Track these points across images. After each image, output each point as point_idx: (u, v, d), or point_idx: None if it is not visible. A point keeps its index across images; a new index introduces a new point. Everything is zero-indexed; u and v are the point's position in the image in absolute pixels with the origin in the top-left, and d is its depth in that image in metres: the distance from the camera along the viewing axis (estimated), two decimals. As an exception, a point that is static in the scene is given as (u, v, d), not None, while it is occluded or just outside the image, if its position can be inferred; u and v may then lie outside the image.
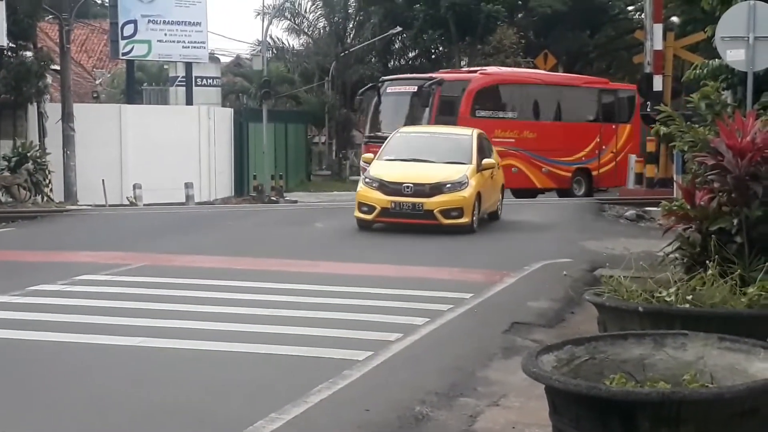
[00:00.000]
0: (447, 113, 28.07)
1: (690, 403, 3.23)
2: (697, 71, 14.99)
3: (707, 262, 6.37)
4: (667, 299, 5.28)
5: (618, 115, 32.07)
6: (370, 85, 33.21)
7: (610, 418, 3.24)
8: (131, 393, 7.38)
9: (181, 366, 8.25)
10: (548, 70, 50.55)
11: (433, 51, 52.80)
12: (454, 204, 17.34)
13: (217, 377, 7.86)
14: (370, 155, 19.99)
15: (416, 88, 29.83)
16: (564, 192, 29.99)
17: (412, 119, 28.19)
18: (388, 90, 31.05)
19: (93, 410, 6.91)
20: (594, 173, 30.94)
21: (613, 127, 31.54)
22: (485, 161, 18.58)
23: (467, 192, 17.40)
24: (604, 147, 31.01)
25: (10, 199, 24.01)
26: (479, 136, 19.37)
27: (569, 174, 30.31)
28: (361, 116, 33.37)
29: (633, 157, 31.56)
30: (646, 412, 3.20)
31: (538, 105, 31.70)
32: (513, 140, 29.11)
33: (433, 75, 31.77)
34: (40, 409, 6.96)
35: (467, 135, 19.56)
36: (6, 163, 24.31)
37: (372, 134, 30.14)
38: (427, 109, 28.50)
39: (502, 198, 20.56)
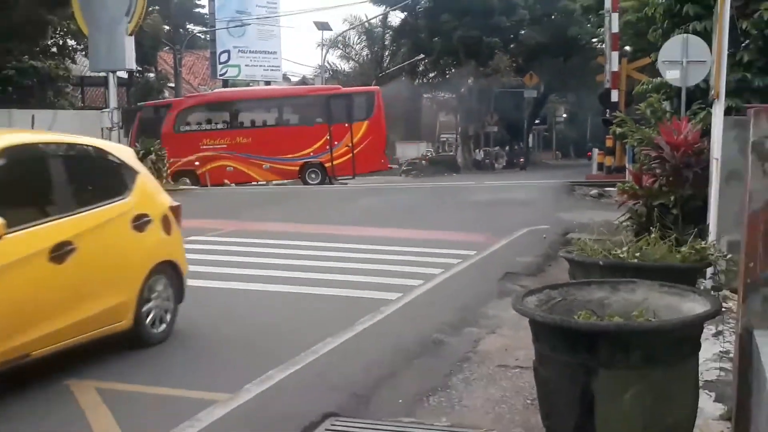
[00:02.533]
0: (151, 133, 25.63)
1: (638, 333, 3.21)
2: (644, 86, 14.79)
3: (651, 228, 6.30)
4: (621, 256, 5.23)
5: (352, 115, 28.06)
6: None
7: (578, 344, 3.22)
8: (221, 324, 7.44)
9: (263, 302, 8.31)
10: (531, 87, 50.18)
11: (447, 72, 52.44)
12: None
13: (291, 311, 7.92)
14: None
15: (137, 112, 27.94)
16: (299, 182, 27.48)
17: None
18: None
19: (202, 331, 6.99)
20: (327, 165, 27.59)
21: (346, 125, 27.71)
22: None
23: None
24: (336, 143, 27.56)
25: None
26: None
27: (296, 168, 27.59)
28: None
29: (596, 151, 31.13)
30: (606, 340, 3.17)
31: (253, 115, 28.75)
32: (225, 146, 27.00)
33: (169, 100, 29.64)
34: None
35: None
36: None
37: None
38: (130, 131, 26.74)
39: (174, 296, 6.93)
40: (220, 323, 7.41)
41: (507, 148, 55.12)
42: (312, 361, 6.12)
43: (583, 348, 3.18)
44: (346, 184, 28.03)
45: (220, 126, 27.86)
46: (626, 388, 3.13)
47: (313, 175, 27.58)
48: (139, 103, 29.06)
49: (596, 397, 3.16)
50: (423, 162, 43.34)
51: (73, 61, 31.79)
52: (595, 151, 32.36)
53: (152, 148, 24.70)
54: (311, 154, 27.65)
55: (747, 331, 4.58)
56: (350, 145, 27.53)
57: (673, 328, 3.22)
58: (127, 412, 5.05)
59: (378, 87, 32.58)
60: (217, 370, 5.93)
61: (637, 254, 5.21)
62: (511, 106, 52.07)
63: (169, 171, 24.88)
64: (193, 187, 25.21)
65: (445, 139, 61.28)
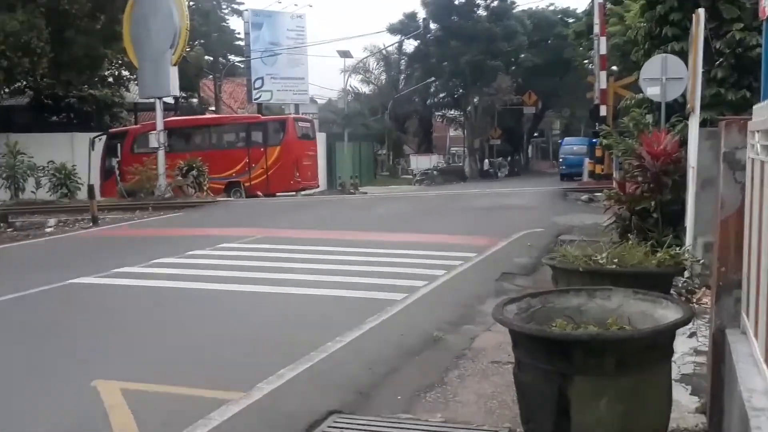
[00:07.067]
0: (114, 154, 26.75)
1: (610, 341, 2.92)
2: (628, 102, 14.53)
3: (630, 233, 6.02)
4: (600, 261, 4.91)
5: (267, 141, 27.08)
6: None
7: (553, 352, 2.94)
8: (239, 325, 7.22)
9: (278, 305, 8.06)
10: (531, 104, 49.70)
11: (455, 93, 52.11)
12: None
13: (302, 312, 7.66)
14: None
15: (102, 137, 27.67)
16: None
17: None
18: None
19: (219, 331, 6.77)
20: (246, 184, 26.58)
21: (262, 150, 26.79)
22: None
23: None
24: (253, 165, 26.60)
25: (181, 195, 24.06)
26: None
27: (223, 186, 26.13)
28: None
29: (586, 160, 30.57)
30: (580, 348, 2.89)
31: (188, 139, 27.80)
32: (167, 165, 24.23)
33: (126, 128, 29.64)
34: (197, 326, 6.82)
35: None
36: (179, 170, 24.33)
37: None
38: (100, 153, 27.01)
39: None
40: (234, 324, 7.19)
41: (509, 158, 54.67)
42: (321, 360, 5.85)
43: (559, 355, 2.90)
44: (366, 193, 27.79)
45: (167, 149, 25.87)
46: (601, 394, 2.85)
47: (236, 193, 26.49)
48: (109, 131, 29.10)
49: (572, 403, 2.87)
50: (434, 172, 43.05)
51: (127, 90, 31.91)
52: (586, 160, 31.84)
53: (194, 164, 24.66)
54: (234, 174, 26.85)
55: (720, 330, 4.26)
56: (265, 167, 26.63)
57: (645, 336, 2.93)
58: (146, 411, 4.81)
59: (290, 116, 31.33)
60: (233, 370, 5.69)
61: (615, 260, 4.88)
62: (512, 122, 51.83)
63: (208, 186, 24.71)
64: (230, 199, 25.06)
65: (454, 151, 60.94)
